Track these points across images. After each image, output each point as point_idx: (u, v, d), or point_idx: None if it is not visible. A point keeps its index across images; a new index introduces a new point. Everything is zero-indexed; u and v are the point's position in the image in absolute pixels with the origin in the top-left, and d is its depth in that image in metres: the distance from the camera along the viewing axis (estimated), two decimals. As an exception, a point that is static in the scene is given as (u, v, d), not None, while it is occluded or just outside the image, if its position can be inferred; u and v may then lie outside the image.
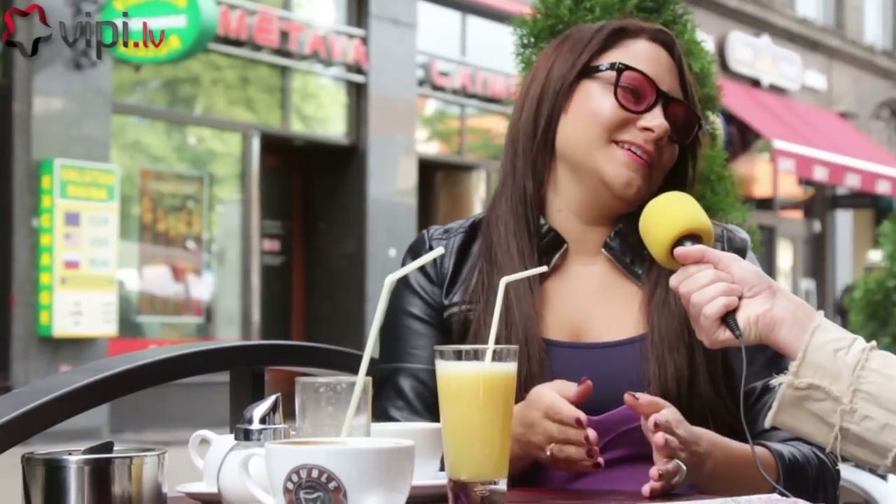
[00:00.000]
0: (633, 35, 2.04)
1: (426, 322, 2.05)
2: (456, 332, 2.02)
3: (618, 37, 2.04)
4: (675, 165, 2.03)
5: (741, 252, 2.04)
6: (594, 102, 1.99)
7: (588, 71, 2.01)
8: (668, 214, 1.80)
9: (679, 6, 3.06)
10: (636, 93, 1.98)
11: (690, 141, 2.03)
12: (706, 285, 1.71)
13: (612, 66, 2.00)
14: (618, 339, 1.97)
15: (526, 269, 1.96)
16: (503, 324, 1.96)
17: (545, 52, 2.09)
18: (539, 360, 1.94)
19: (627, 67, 1.99)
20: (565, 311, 2.01)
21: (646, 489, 1.75)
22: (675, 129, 1.99)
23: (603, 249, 2.03)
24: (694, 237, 1.77)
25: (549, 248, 2.03)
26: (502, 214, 2.04)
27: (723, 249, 2.02)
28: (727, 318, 1.70)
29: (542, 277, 2.01)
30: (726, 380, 1.95)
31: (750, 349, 1.73)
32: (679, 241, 1.77)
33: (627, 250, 2.02)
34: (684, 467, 1.77)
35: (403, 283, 2.07)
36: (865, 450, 1.66)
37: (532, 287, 1.99)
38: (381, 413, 2.02)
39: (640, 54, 2.02)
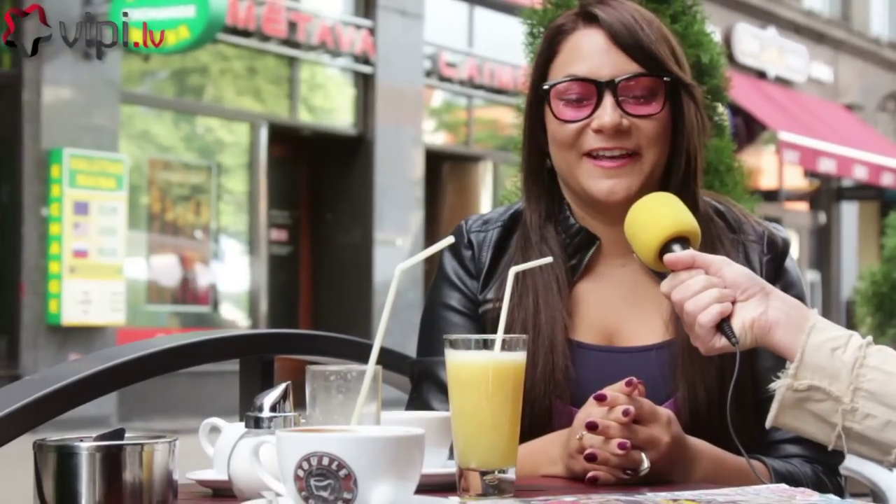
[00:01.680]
0: (569, 31, 1.98)
1: (465, 315, 2.04)
2: (489, 328, 1.99)
3: (557, 41, 1.99)
4: (676, 123, 1.97)
5: (783, 254, 2.02)
6: (551, 126, 1.97)
7: (540, 94, 1.99)
8: (654, 218, 1.77)
9: (688, -3, 3.05)
10: (578, 99, 1.94)
11: (668, 96, 1.95)
12: (699, 292, 1.68)
13: (545, 90, 1.97)
14: (647, 345, 1.96)
15: (558, 273, 1.96)
16: (531, 324, 1.95)
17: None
18: (565, 362, 1.93)
19: (554, 84, 1.94)
20: (596, 314, 1.99)
21: (590, 475, 1.76)
22: (641, 103, 1.93)
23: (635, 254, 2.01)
24: (681, 240, 1.75)
25: (580, 246, 2.01)
26: (534, 228, 2.03)
27: (762, 251, 2.00)
28: (722, 325, 1.67)
29: (574, 278, 2.00)
30: (753, 386, 1.92)
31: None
32: (666, 245, 1.75)
33: None
34: (646, 463, 1.76)
35: (443, 277, 2.07)
36: (868, 447, 1.65)
37: (560, 289, 1.97)
38: (423, 406, 2.01)
39: (576, 51, 1.96)
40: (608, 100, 1.92)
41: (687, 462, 1.81)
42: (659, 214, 1.77)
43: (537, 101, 2.00)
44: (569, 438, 1.81)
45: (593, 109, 1.93)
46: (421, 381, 2.04)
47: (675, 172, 1.98)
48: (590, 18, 1.96)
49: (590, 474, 1.77)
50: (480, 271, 2.04)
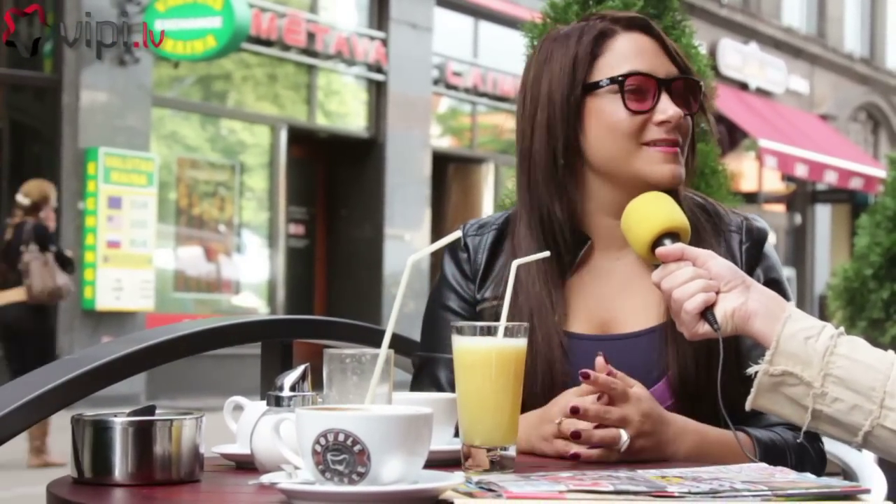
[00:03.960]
0: (612, 34, 1.94)
1: (461, 315, 2.01)
2: None
3: (600, 42, 1.94)
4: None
5: (760, 241, 2.00)
6: (610, 118, 1.91)
7: (590, 88, 1.93)
8: (648, 214, 1.77)
9: (678, 13, 3.04)
10: (641, 92, 1.91)
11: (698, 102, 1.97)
12: (686, 282, 1.69)
13: (612, 81, 1.91)
14: (639, 330, 1.93)
15: (548, 278, 1.94)
16: (528, 318, 1.92)
17: (535, 71, 1.97)
18: (561, 353, 1.91)
19: (627, 76, 1.91)
20: (590, 306, 1.96)
21: (573, 451, 1.74)
22: (683, 104, 1.93)
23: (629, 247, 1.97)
24: (672, 235, 1.75)
25: (573, 245, 1.97)
26: (525, 237, 1.98)
27: (741, 239, 1.99)
28: (706, 313, 1.68)
29: (568, 273, 1.97)
30: (738, 362, 1.89)
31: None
32: (658, 239, 1.75)
33: None
34: (625, 437, 1.74)
35: (442, 279, 2.04)
36: (838, 429, 1.66)
37: (551, 283, 1.94)
38: None
39: (627, 51, 1.93)
40: (666, 95, 1.92)
41: (669, 438, 1.79)
42: (653, 211, 1.78)
43: (574, 100, 1.93)
44: (541, 422, 1.80)
45: (654, 103, 1.91)
46: (418, 375, 2.04)
47: (689, 170, 1.98)
48: (633, 25, 1.95)
49: (572, 451, 1.75)
50: (476, 273, 2.01)
